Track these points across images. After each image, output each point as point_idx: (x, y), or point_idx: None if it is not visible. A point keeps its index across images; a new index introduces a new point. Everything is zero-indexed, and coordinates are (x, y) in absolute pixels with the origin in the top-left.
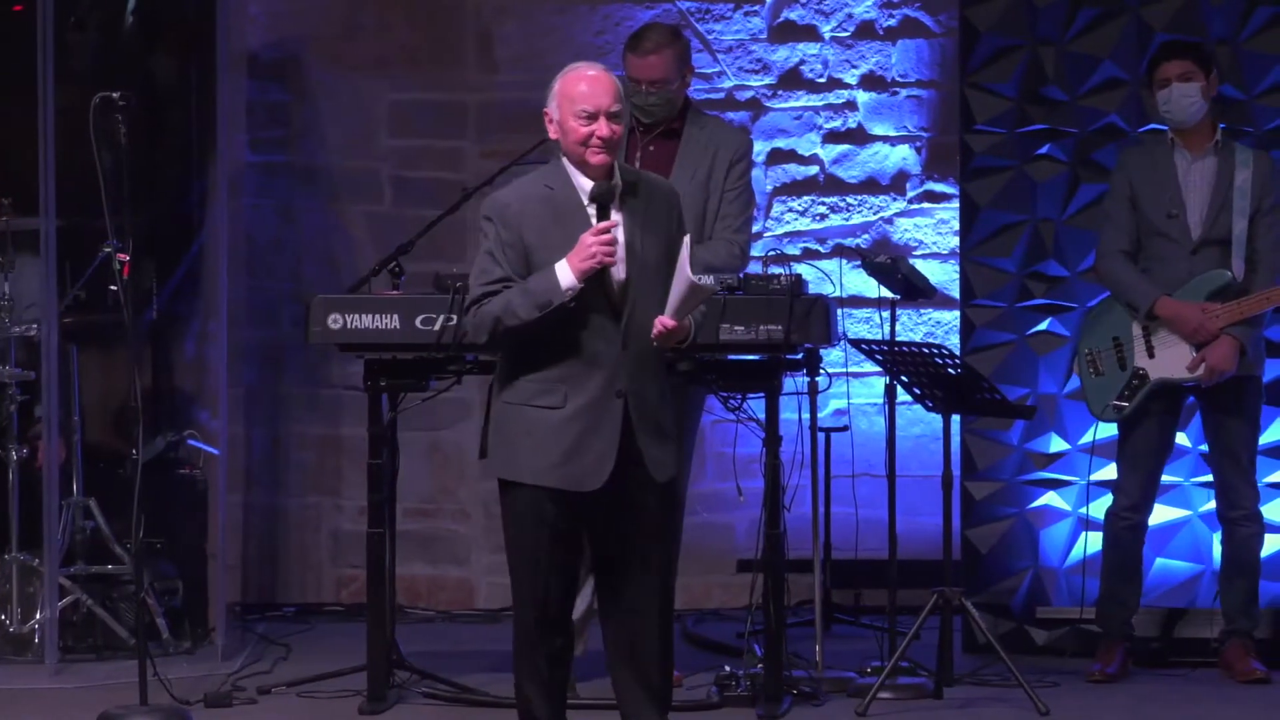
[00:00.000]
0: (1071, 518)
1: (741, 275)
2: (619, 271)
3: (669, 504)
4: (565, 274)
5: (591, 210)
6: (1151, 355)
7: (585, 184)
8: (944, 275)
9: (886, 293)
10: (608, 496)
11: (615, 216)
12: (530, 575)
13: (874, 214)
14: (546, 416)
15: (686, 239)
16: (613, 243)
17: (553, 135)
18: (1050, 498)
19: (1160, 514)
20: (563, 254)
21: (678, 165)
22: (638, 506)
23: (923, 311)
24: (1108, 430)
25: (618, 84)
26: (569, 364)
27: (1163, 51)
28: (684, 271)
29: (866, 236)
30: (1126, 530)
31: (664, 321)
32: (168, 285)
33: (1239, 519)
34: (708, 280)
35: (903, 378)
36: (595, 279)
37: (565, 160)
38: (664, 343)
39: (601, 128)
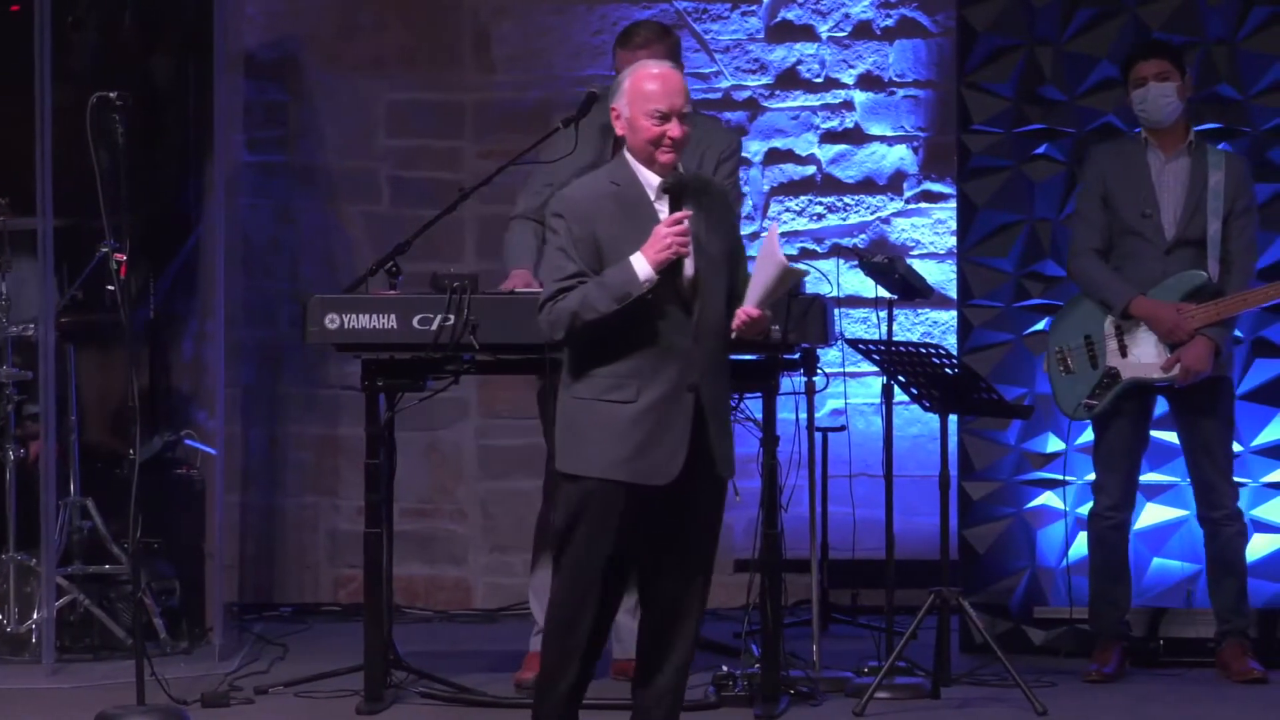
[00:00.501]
0: (1069, 517)
1: None
2: (688, 265)
3: (721, 503)
4: (642, 265)
5: (659, 205)
6: (1124, 354)
7: (651, 179)
8: (941, 275)
9: (884, 292)
10: (672, 492)
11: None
12: (591, 569)
13: (871, 214)
14: (619, 410)
15: (774, 224)
16: (686, 233)
17: (620, 131)
18: (1047, 497)
19: (1157, 514)
20: (633, 248)
21: None
22: (698, 504)
23: (920, 311)
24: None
25: (686, 83)
26: (641, 358)
27: (1139, 51)
28: (776, 256)
29: (864, 236)
30: (1110, 530)
31: (749, 311)
32: (165, 285)
33: (1221, 519)
34: (799, 264)
35: (900, 378)
36: (667, 272)
37: (629, 156)
38: (746, 333)
39: (674, 128)
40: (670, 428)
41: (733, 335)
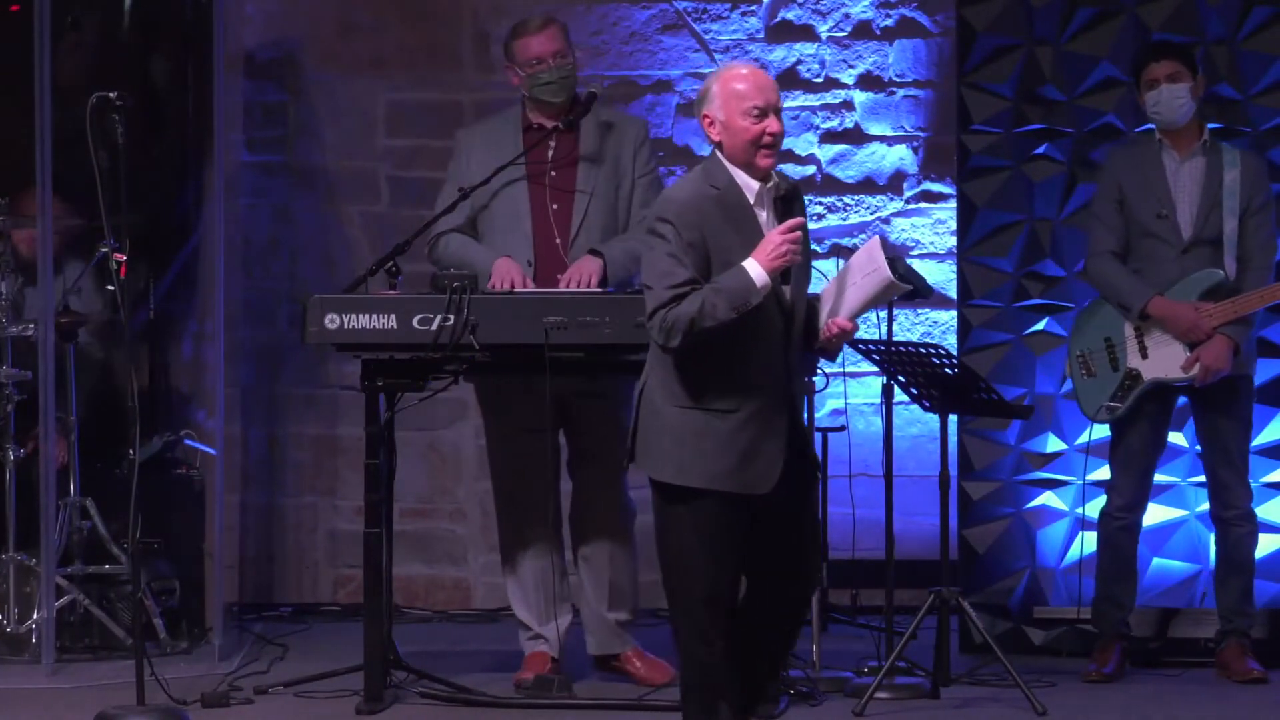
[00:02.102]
0: (1068, 518)
1: None
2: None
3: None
4: (757, 272)
5: (759, 210)
6: (1145, 356)
7: (750, 183)
8: (941, 275)
9: None
10: (771, 501)
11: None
12: (714, 573)
13: (871, 214)
14: (722, 420)
15: (876, 237)
16: (799, 240)
17: (715, 137)
18: (1047, 498)
19: (1157, 514)
20: (739, 254)
21: (582, 155)
22: (794, 511)
23: (920, 311)
24: (1103, 430)
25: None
26: (744, 367)
27: (1150, 52)
28: (883, 271)
29: (864, 236)
30: (1121, 530)
31: (841, 324)
32: (164, 285)
33: (1234, 518)
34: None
35: (900, 378)
36: (773, 280)
37: (724, 160)
38: (831, 346)
39: (773, 123)
40: (769, 437)
41: (817, 346)
